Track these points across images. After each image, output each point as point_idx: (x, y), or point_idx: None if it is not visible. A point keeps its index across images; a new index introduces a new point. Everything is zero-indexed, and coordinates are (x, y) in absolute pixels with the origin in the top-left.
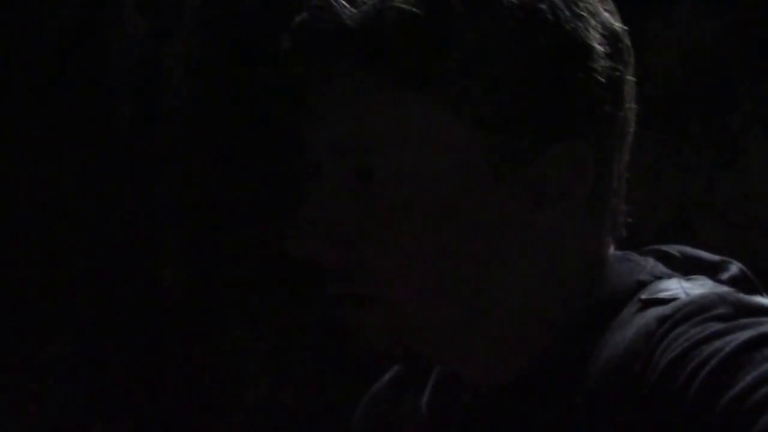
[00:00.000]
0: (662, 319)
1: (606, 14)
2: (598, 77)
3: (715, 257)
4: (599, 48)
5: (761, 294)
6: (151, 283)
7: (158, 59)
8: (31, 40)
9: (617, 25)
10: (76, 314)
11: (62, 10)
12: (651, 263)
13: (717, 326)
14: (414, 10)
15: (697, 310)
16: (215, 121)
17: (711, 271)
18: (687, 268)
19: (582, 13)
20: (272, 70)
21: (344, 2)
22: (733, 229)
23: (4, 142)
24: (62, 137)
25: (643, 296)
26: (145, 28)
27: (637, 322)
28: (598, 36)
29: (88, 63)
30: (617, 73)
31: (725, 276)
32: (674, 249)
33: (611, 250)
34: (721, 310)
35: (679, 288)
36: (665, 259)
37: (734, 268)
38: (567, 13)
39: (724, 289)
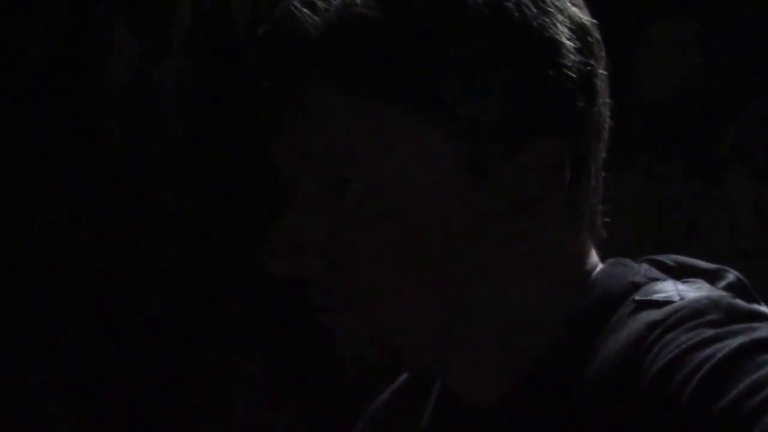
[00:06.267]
0: (653, 325)
1: (574, 8)
2: (569, 73)
3: (712, 266)
4: (568, 43)
5: (758, 302)
6: (141, 306)
7: (149, 79)
8: (22, 60)
9: (586, 18)
10: (65, 337)
11: (53, 30)
12: (645, 267)
13: (709, 332)
14: (377, 14)
15: (689, 315)
16: (206, 142)
17: (707, 279)
18: (682, 275)
19: (549, 8)
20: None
21: (306, 11)
22: (718, 259)
23: None
24: (52, 157)
25: (637, 297)
26: (136, 49)
27: (629, 326)
28: (566, 31)
29: (78, 83)
30: (588, 68)
31: (721, 284)
32: (669, 258)
33: (593, 252)
34: (713, 316)
35: (674, 290)
36: (660, 266)
37: (731, 276)
38: (533, 9)
39: (718, 293)
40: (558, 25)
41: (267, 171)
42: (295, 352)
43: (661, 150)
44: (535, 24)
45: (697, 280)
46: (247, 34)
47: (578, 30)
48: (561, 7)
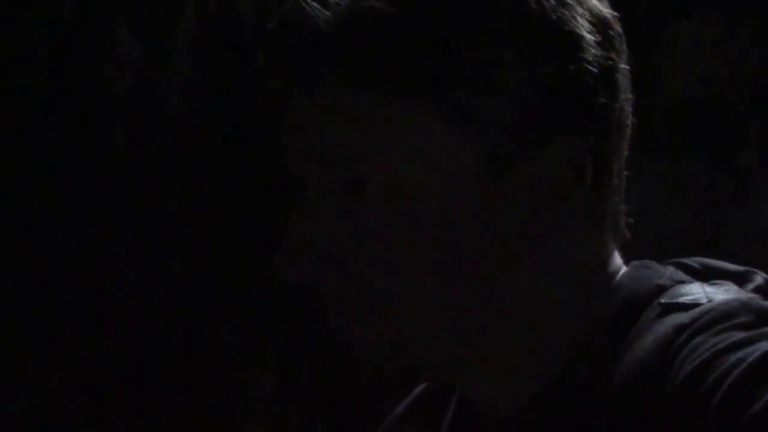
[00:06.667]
0: (680, 328)
1: (594, 1)
2: (590, 68)
3: (740, 268)
4: (589, 37)
5: None
6: (147, 322)
7: (152, 82)
8: (23, 63)
9: (606, 11)
10: (69, 351)
11: (54, 33)
12: (671, 270)
13: (739, 335)
14: (389, 8)
15: (718, 317)
16: (212, 147)
17: (735, 281)
18: (709, 277)
19: (568, 0)
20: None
21: (316, 5)
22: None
23: None
24: (54, 162)
25: (663, 300)
26: (138, 52)
27: (655, 330)
28: (586, 24)
29: (80, 86)
30: (610, 62)
31: (750, 286)
32: (695, 261)
33: (616, 254)
34: (743, 318)
35: (701, 292)
36: (686, 269)
37: (759, 278)
38: (552, 1)
39: (748, 295)
40: (578, 17)
41: (275, 176)
42: (305, 367)
43: (686, 155)
44: (554, 17)
45: (725, 282)
46: (254, 35)
47: (599, 23)
48: None
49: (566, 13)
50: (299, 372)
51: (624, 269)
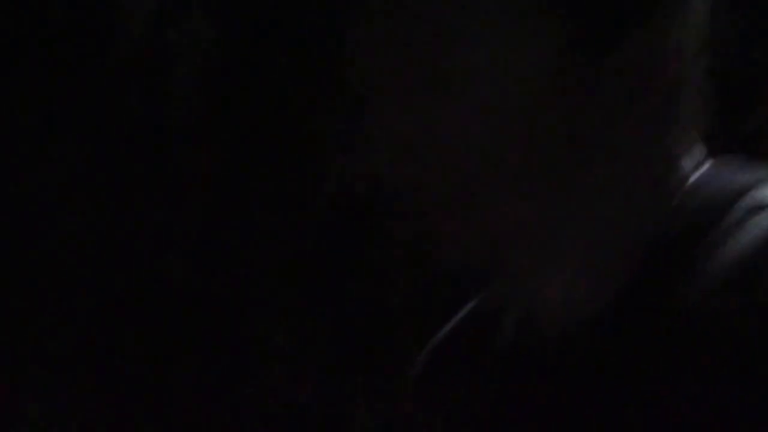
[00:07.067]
0: None
1: None
2: None
3: None
4: None
5: None
6: (163, 275)
7: (166, 42)
8: (31, 22)
9: None
10: (84, 308)
11: None
12: (752, 168)
13: None
14: None
15: None
16: (228, 108)
17: None
18: None
19: None
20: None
21: None
22: None
23: (3, 132)
24: (66, 125)
25: (750, 201)
26: (151, 6)
27: (748, 230)
28: None
29: (90, 46)
30: None
31: None
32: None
33: (699, 147)
34: None
35: None
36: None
37: None
38: None
39: None
40: None
41: (295, 130)
42: (322, 325)
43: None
44: None
45: None
46: None
47: None
48: None
49: None
50: (316, 324)
51: (706, 165)
